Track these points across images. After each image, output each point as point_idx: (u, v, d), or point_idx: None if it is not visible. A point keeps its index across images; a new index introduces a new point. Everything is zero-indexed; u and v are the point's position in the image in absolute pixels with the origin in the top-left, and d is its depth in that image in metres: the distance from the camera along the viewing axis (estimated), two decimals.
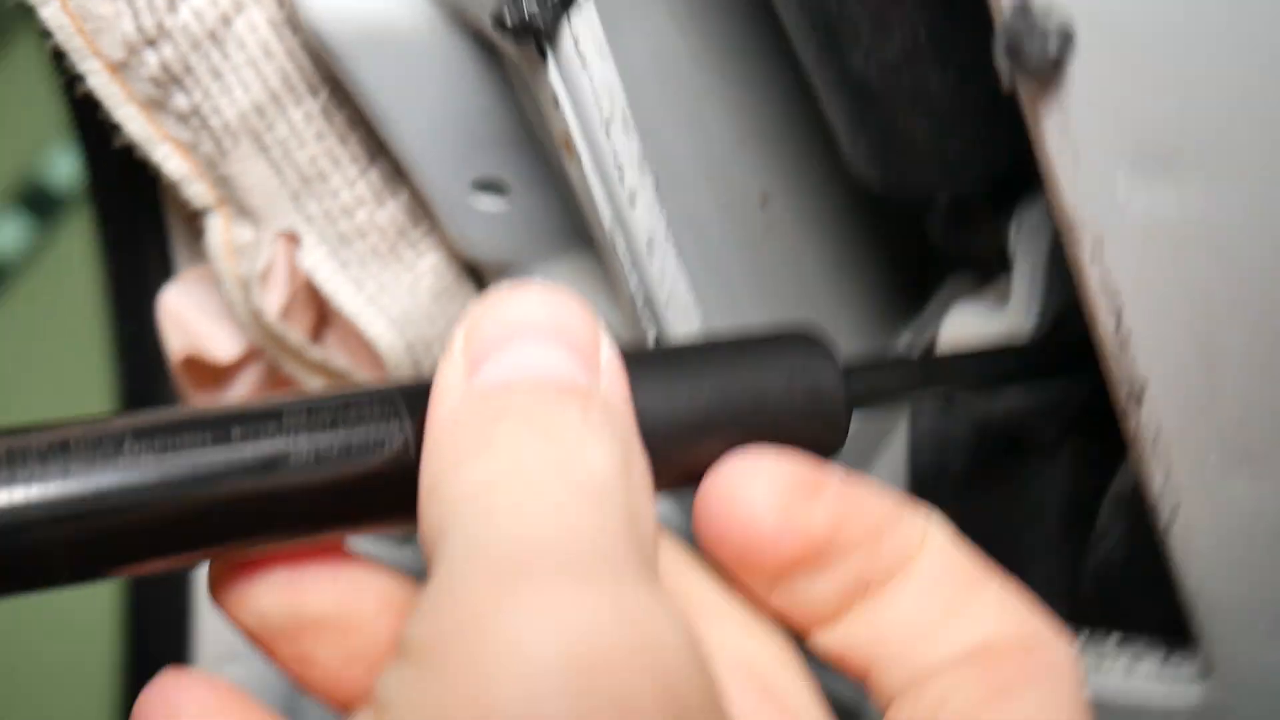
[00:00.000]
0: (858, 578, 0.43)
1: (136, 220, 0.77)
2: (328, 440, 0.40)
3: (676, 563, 0.44)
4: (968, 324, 0.68)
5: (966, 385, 0.59)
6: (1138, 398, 0.51)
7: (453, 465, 0.37)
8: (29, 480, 0.37)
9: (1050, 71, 0.42)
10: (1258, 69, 0.40)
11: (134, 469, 0.38)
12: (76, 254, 0.90)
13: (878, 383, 0.50)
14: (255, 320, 0.70)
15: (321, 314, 0.71)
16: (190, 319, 0.73)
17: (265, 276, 0.68)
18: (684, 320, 0.61)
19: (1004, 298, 0.68)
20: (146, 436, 0.38)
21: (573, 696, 0.31)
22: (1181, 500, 0.54)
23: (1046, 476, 0.66)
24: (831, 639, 0.44)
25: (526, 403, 0.38)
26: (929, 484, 0.66)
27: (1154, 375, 0.50)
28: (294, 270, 0.69)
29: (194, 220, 0.70)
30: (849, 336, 0.70)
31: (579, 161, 0.56)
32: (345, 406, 0.40)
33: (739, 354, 0.47)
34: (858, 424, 0.49)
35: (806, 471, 0.43)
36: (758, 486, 0.42)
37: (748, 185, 0.64)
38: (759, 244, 0.65)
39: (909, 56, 0.56)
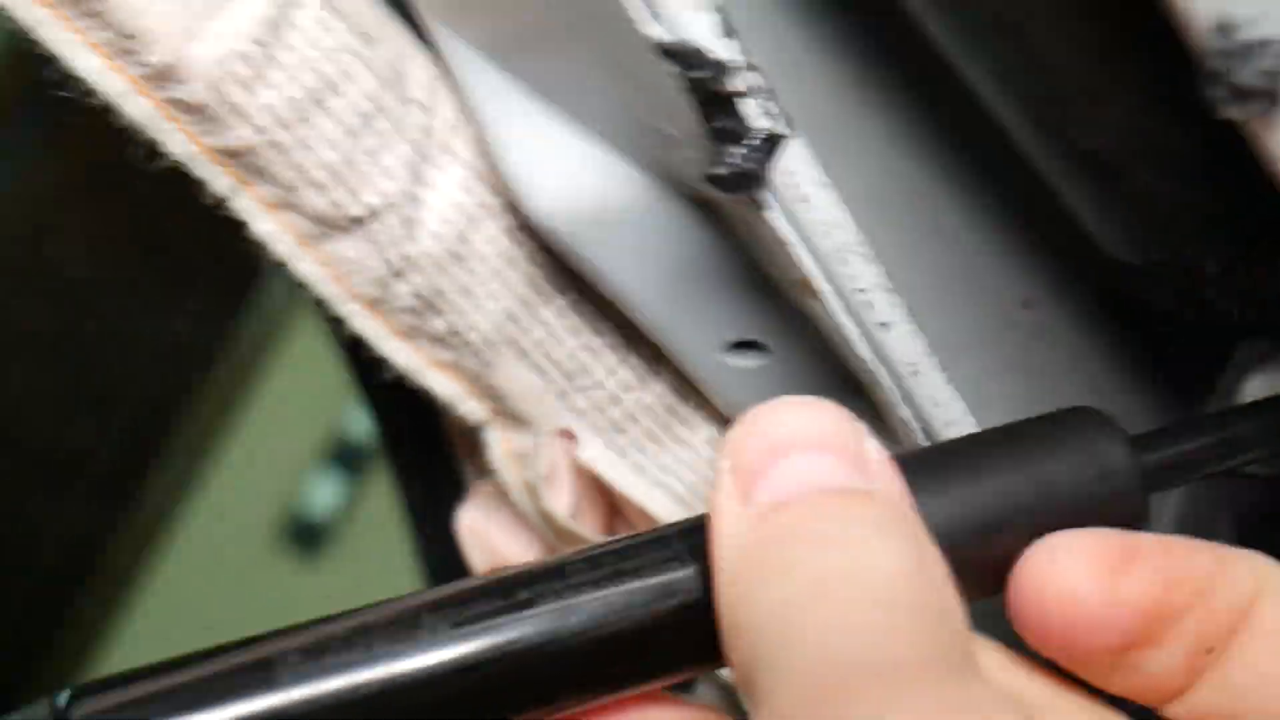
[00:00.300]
0: (1198, 641, 0.40)
1: (426, 451, 0.80)
2: (616, 591, 0.40)
3: (1001, 665, 0.42)
4: (1270, 391, 0.64)
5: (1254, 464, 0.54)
6: None
7: (749, 594, 0.36)
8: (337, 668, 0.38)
9: (1272, 88, 0.39)
10: None
11: (431, 645, 0.39)
12: (385, 501, 0.94)
13: (1174, 451, 0.47)
14: (548, 523, 0.71)
15: (611, 506, 0.72)
16: (488, 534, 0.75)
17: (550, 478, 0.69)
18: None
19: None
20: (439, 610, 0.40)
21: None
22: None
23: None
24: (1185, 711, 0.41)
25: (808, 515, 0.37)
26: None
27: None
28: (576, 467, 0.70)
29: (472, 437, 0.71)
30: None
31: (824, 302, 0.55)
32: (625, 555, 0.41)
33: (1017, 442, 0.45)
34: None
35: (1118, 539, 0.40)
36: (1072, 565, 0.40)
37: (1005, 291, 0.62)
38: (1029, 350, 0.62)
39: (1135, 116, 0.53)
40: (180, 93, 0.56)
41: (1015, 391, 0.61)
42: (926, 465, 0.43)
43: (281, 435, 2.36)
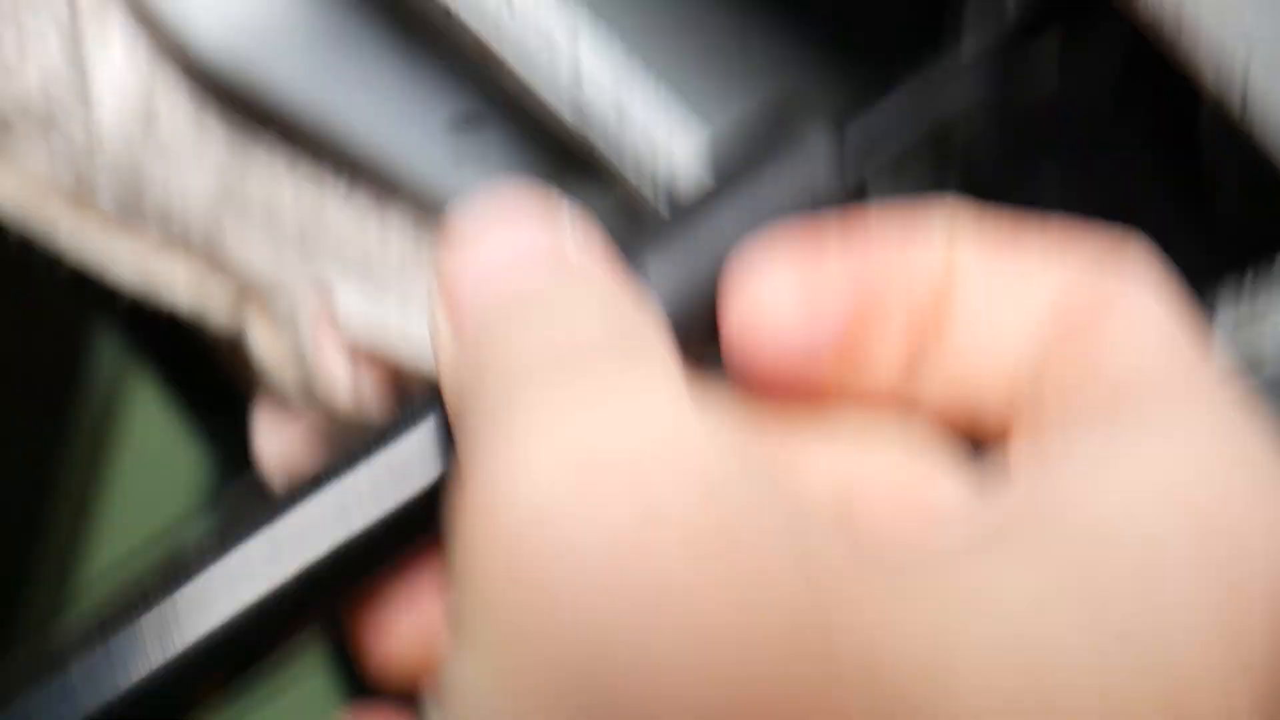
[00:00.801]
0: (908, 323, 0.39)
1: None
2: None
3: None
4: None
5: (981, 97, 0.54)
6: None
7: (469, 404, 0.36)
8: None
9: None
10: None
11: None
12: None
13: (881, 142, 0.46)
14: (330, 402, 0.68)
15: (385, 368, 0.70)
16: (286, 454, 0.72)
17: (317, 348, 0.67)
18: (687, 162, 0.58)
19: None
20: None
21: (587, 502, 0.29)
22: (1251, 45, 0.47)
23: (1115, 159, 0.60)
24: (924, 399, 0.40)
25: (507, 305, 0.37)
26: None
27: None
28: (344, 343, 0.67)
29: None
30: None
31: (505, 55, 0.53)
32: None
33: (734, 180, 0.44)
34: None
35: (803, 249, 0.39)
36: (763, 304, 0.38)
37: None
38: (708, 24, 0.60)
39: None
40: None
41: (721, 84, 0.59)
42: (652, 225, 0.42)
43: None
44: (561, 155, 0.62)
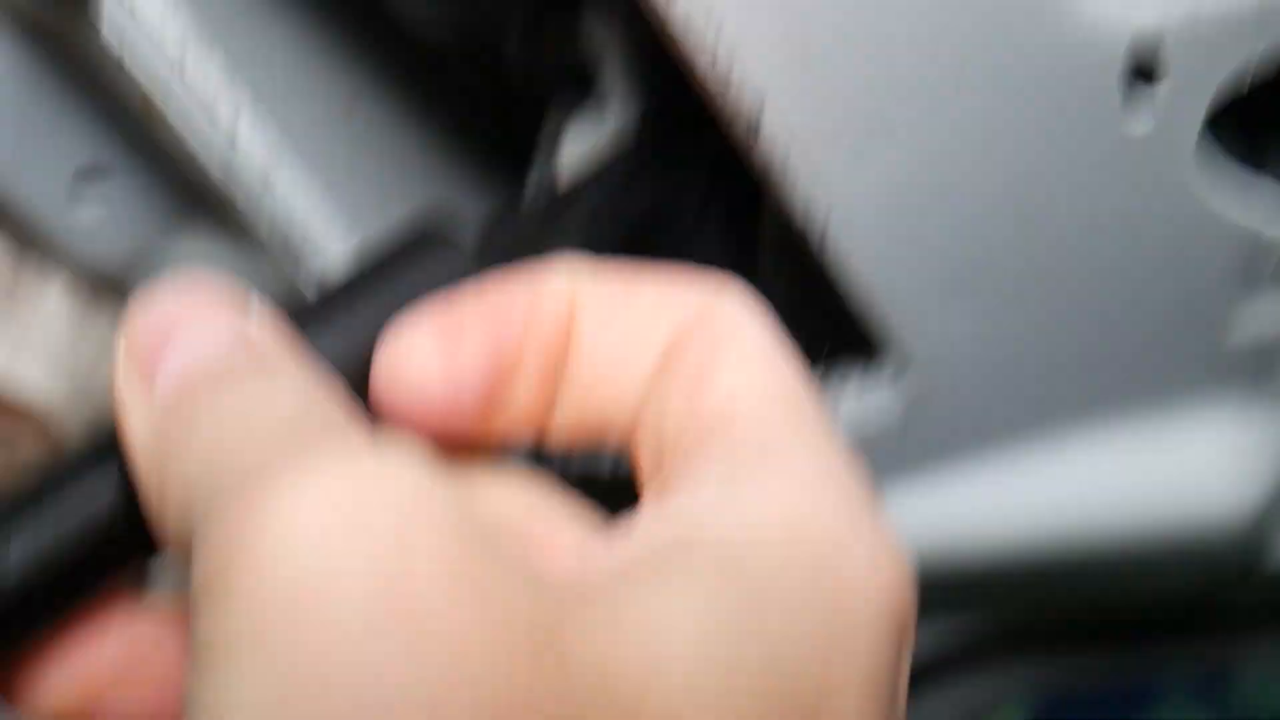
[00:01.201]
0: (541, 364, 0.43)
1: None
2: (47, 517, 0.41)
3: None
4: (583, 142, 0.71)
5: (593, 214, 0.61)
6: (756, 125, 0.54)
7: (168, 469, 0.37)
8: None
9: None
10: None
11: None
12: None
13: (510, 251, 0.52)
14: None
15: None
16: None
17: None
18: (324, 239, 0.62)
19: (596, 104, 0.71)
20: None
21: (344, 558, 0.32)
22: (831, 200, 0.57)
23: (699, 251, 0.69)
24: (561, 429, 0.44)
25: (204, 383, 0.38)
26: None
27: (766, 95, 0.53)
28: None
29: None
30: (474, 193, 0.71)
31: (169, 113, 0.55)
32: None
33: (379, 272, 0.48)
34: None
35: (443, 312, 0.43)
36: (412, 351, 0.42)
37: (335, 88, 0.65)
38: (370, 146, 0.65)
39: None
40: None
41: (368, 187, 0.63)
42: (310, 309, 0.45)
43: None
44: (192, 207, 0.64)
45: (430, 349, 0.43)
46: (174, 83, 0.54)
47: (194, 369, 0.39)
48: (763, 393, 0.39)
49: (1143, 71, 0.53)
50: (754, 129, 0.54)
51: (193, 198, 0.62)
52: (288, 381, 0.39)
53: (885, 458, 0.68)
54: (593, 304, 0.42)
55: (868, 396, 0.68)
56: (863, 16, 0.51)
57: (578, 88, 0.71)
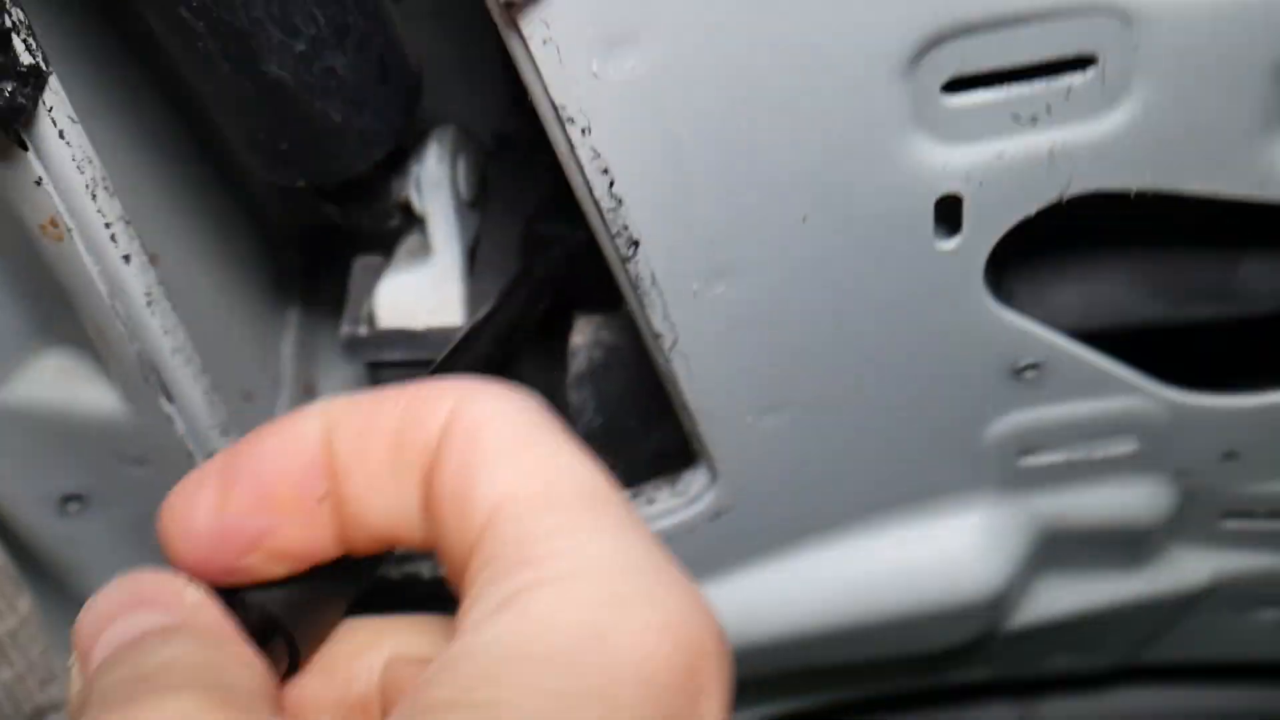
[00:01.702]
0: (305, 495, 0.44)
1: None
2: None
3: None
4: (403, 286, 0.75)
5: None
6: (632, 251, 0.61)
7: None
8: None
9: None
10: None
11: None
12: None
13: None
14: None
15: None
16: None
17: None
18: (190, 377, 0.64)
19: (420, 251, 0.76)
20: None
21: None
22: (679, 329, 0.64)
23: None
24: (357, 544, 0.45)
25: (128, 659, 0.42)
26: None
27: (644, 228, 0.60)
28: None
29: None
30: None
31: (70, 236, 0.56)
32: None
33: None
34: None
35: (215, 469, 0.45)
36: (187, 521, 0.45)
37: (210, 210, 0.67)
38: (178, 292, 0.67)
39: (316, 46, 0.61)
40: None
41: (218, 329, 0.65)
42: None
43: None
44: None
45: (203, 500, 0.45)
46: (85, 204, 0.56)
47: (121, 643, 0.43)
48: (520, 489, 0.41)
49: (950, 203, 0.63)
50: (630, 252, 0.61)
51: (56, 322, 0.62)
52: (201, 658, 0.42)
53: (696, 556, 0.75)
54: (347, 432, 0.44)
55: (680, 498, 0.74)
56: (728, 180, 0.59)
57: (387, 240, 0.76)
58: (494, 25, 0.53)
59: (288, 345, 0.89)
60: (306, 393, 0.90)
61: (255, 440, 0.45)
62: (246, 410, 0.80)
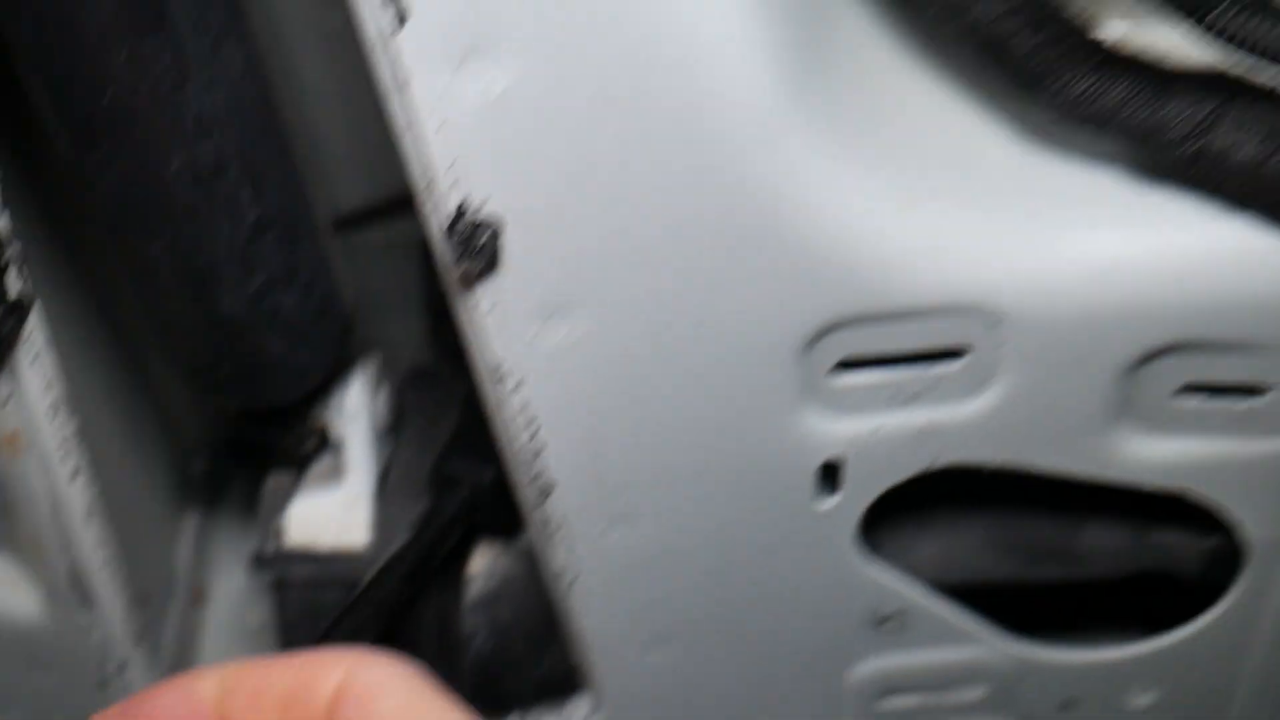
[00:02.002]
0: None
1: None
2: None
3: None
4: (314, 506, 0.79)
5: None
6: (546, 495, 0.66)
7: None
8: None
9: (487, 259, 0.56)
10: (623, 235, 0.58)
11: None
12: None
13: None
14: None
15: None
16: None
17: None
18: (115, 590, 0.67)
19: (333, 473, 0.80)
20: None
21: None
22: (581, 567, 0.70)
23: (413, 619, 0.78)
24: None
25: None
26: None
27: (560, 474, 0.66)
28: None
29: None
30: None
31: (27, 451, 0.60)
32: None
33: None
34: None
35: None
36: None
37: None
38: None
39: (268, 285, 0.67)
40: None
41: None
42: None
43: None
44: None
45: None
46: (44, 423, 0.60)
47: None
48: None
49: (831, 468, 0.69)
50: (544, 496, 0.66)
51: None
52: None
53: None
54: (240, 696, 0.46)
55: None
56: (639, 437, 0.66)
57: (299, 462, 0.80)
58: (419, 266, 0.59)
59: (184, 549, 0.92)
60: (197, 598, 0.93)
61: (149, 698, 0.47)
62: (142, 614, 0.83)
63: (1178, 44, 0.59)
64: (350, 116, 0.76)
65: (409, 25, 0.50)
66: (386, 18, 0.50)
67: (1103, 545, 0.79)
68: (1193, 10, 0.53)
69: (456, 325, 0.62)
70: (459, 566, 0.81)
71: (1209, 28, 0.54)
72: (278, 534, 0.80)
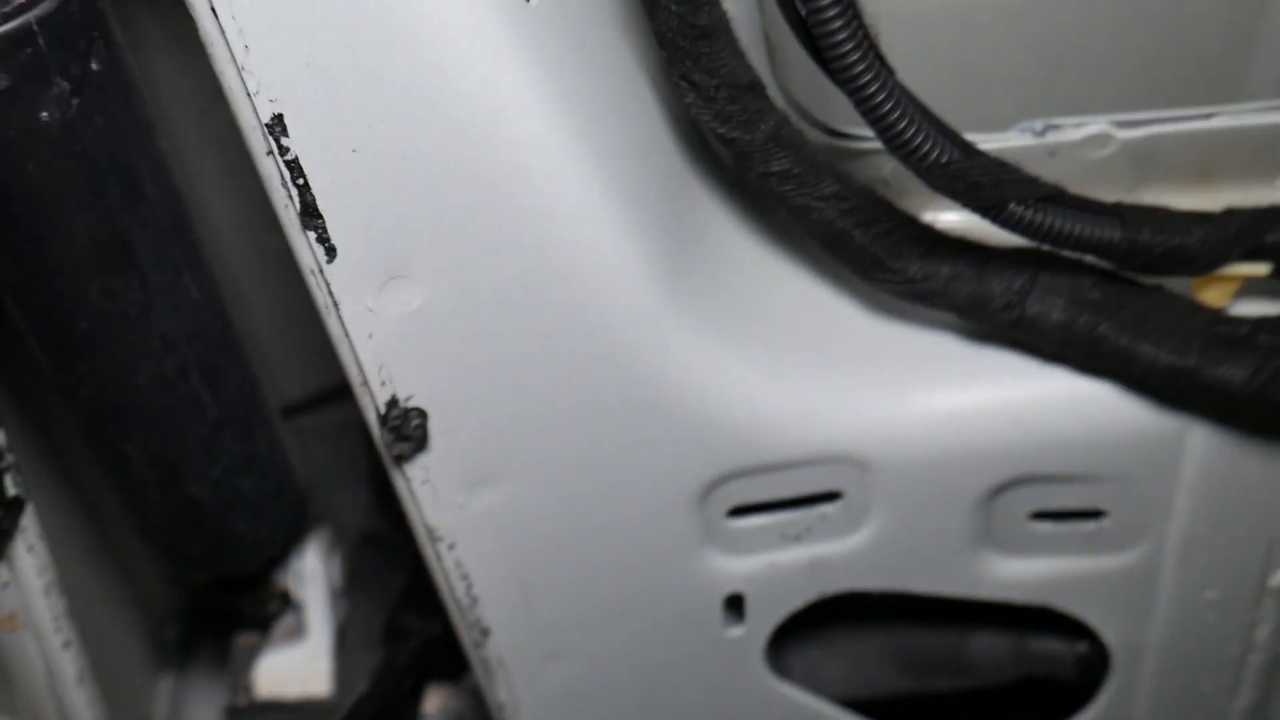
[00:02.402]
0: None
1: None
2: None
3: None
4: (280, 661, 0.88)
5: None
6: (483, 638, 0.75)
7: None
8: None
9: (417, 441, 0.66)
10: (532, 415, 0.68)
11: None
12: None
13: None
14: None
15: None
16: None
17: None
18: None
19: (295, 631, 0.89)
20: None
21: None
22: (520, 701, 0.79)
23: None
24: None
25: None
26: None
27: (495, 620, 0.75)
28: None
29: None
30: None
31: (25, 629, 0.69)
32: None
33: None
34: None
35: None
36: None
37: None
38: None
39: (230, 472, 0.76)
40: None
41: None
42: None
43: None
44: None
45: None
46: (39, 603, 0.69)
47: None
48: None
49: (735, 599, 0.79)
50: (481, 640, 0.76)
51: None
52: None
53: None
54: None
55: None
56: (564, 588, 0.75)
57: (262, 622, 0.89)
58: (361, 444, 0.68)
59: (162, 706, 1.00)
60: None
61: None
62: None
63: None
64: (292, 321, 0.86)
65: (338, 259, 0.60)
66: (320, 252, 0.60)
67: (988, 654, 0.88)
68: (988, 209, 0.64)
69: (397, 495, 0.72)
70: (415, 708, 0.90)
71: (1004, 223, 0.64)
72: (248, 687, 0.88)
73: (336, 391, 0.94)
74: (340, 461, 0.95)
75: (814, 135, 0.74)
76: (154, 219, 0.66)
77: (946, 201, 0.65)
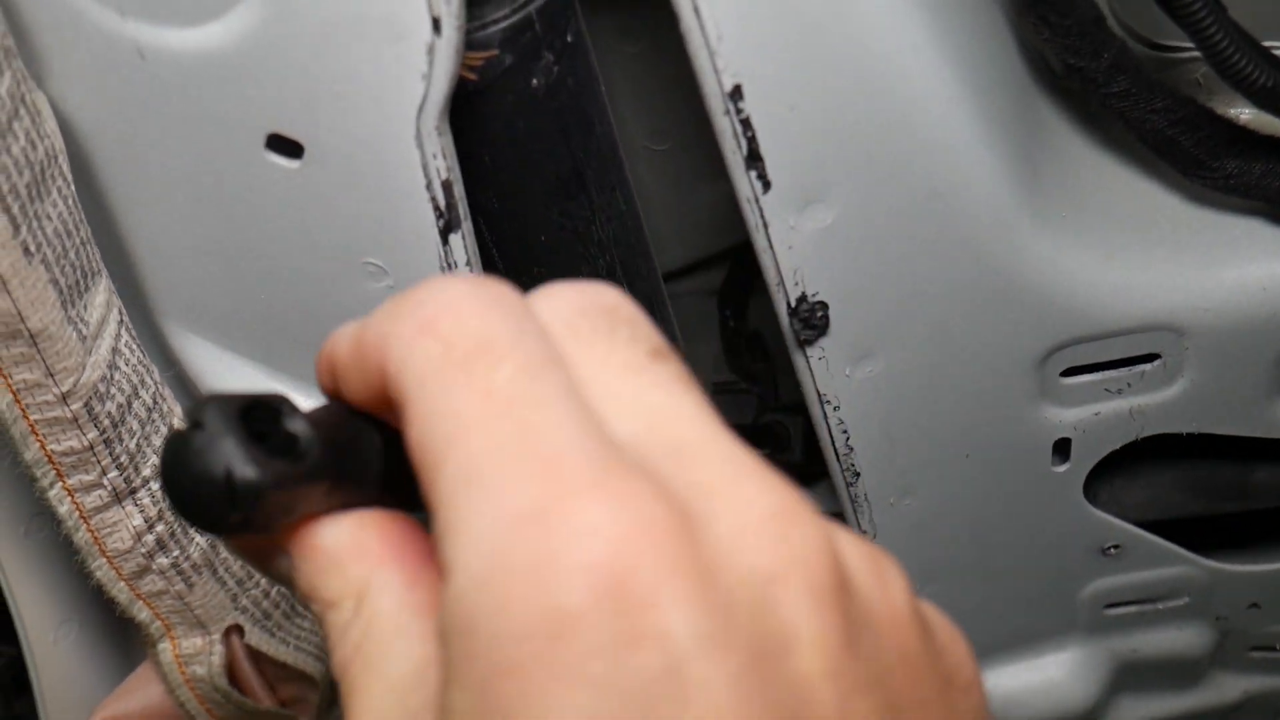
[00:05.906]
0: None
1: None
2: None
3: None
4: None
5: None
6: (855, 480, 0.92)
7: None
8: None
9: (821, 327, 0.81)
10: (907, 302, 0.83)
11: None
12: None
13: None
14: (228, 699, 0.92)
15: (272, 672, 0.95)
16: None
17: (229, 665, 0.91)
18: None
19: None
20: None
21: None
22: (879, 530, 0.95)
23: None
24: None
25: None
26: None
27: (864, 464, 0.91)
28: (245, 651, 0.92)
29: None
30: None
31: None
32: None
33: None
34: None
35: None
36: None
37: None
38: None
39: None
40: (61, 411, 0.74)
41: None
42: None
43: None
44: None
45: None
46: None
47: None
48: None
49: (1062, 442, 0.94)
50: (853, 492, 0.92)
51: None
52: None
53: None
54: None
55: None
56: (924, 431, 0.91)
57: None
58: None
59: None
60: None
61: None
62: None
63: None
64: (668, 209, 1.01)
65: (771, 191, 0.75)
66: (758, 186, 0.75)
67: (1270, 482, 1.02)
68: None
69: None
70: None
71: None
72: None
73: (702, 263, 1.11)
74: (698, 319, 1.11)
75: (1138, 49, 0.86)
76: (599, 151, 0.82)
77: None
